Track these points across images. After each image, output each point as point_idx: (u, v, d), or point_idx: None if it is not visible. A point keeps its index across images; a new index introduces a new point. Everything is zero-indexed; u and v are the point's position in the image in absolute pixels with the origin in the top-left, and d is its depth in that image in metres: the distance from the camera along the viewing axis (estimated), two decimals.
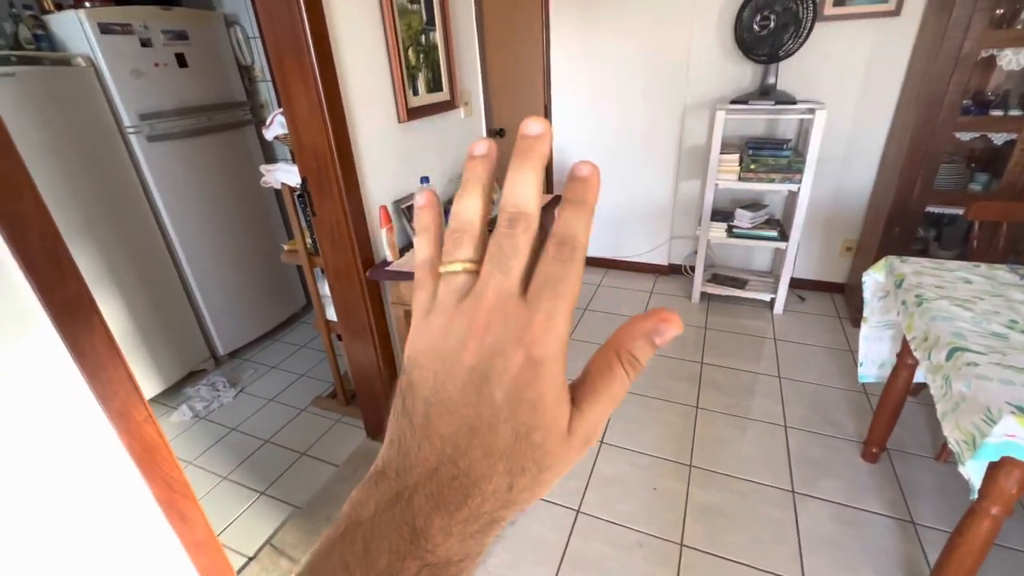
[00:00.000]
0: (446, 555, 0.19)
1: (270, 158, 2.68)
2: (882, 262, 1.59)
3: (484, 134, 2.33)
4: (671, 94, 2.81)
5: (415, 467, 0.19)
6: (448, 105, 2.00)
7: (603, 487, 1.73)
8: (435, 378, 0.20)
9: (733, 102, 2.48)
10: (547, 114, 3.08)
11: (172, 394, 2.34)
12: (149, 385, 2.24)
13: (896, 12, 2.25)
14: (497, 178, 0.22)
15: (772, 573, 1.42)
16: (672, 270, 3.28)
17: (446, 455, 0.19)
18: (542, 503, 1.67)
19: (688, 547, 1.51)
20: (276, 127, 1.69)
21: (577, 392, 0.21)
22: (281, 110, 1.58)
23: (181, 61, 2.17)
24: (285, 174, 1.67)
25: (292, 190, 1.71)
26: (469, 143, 1.86)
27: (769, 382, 2.21)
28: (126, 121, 2.01)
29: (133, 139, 2.04)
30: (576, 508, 1.66)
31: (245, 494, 1.80)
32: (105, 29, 1.90)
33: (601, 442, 1.92)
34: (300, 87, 1.38)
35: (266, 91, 2.63)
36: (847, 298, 2.80)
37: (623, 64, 2.85)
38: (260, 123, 2.54)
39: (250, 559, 1.57)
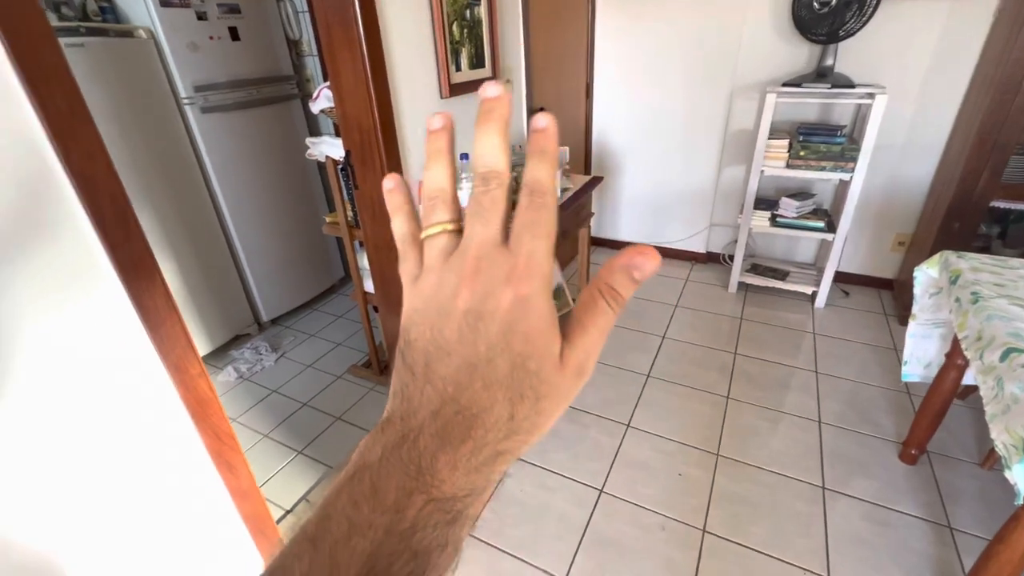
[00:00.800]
0: (452, 490, 0.20)
1: (314, 132, 2.74)
2: (937, 257, 1.51)
3: (524, 113, 2.31)
4: (718, 75, 2.71)
5: (419, 410, 0.20)
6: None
7: (627, 469, 1.74)
8: (432, 329, 0.21)
9: (785, 84, 2.37)
10: (588, 94, 3.03)
11: (219, 356, 2.47)
12: (198, 345, 2.36)
13: None
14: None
15: (796, 566, 1.41)
16: (709, 258, 3.21)
17: (448, 394, 0.20)
18: (565, 480, 1.70)
19: (711, 533, 1.51)
20: (322, 100, 1.72)
21: (567, 327, 0.22)
22: (328, 83, 1.61)
23: (234, 35, 2.23)
24: (329, 147, 1.71)
25: (335, 163, 1.75)
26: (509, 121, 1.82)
27: (805, 376, 2.16)
28: (182, 92, 2.09)
29: (188, 110, 2.12)
30: (599, 488, 1.68)
31: (284, 452, 1.90)
32: (165, 2, 1.97)
33: (627, 425, 1.92)
34: (347, 60, 1.41)
35: (312, 65, 2.68)
36: (895, 295, 2.67)
37: (669, 44, 2.76)
38: (306, 97, 2.60)
39: (287, 512, 1.67)
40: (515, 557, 1.47)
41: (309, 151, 1.79)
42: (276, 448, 1.92)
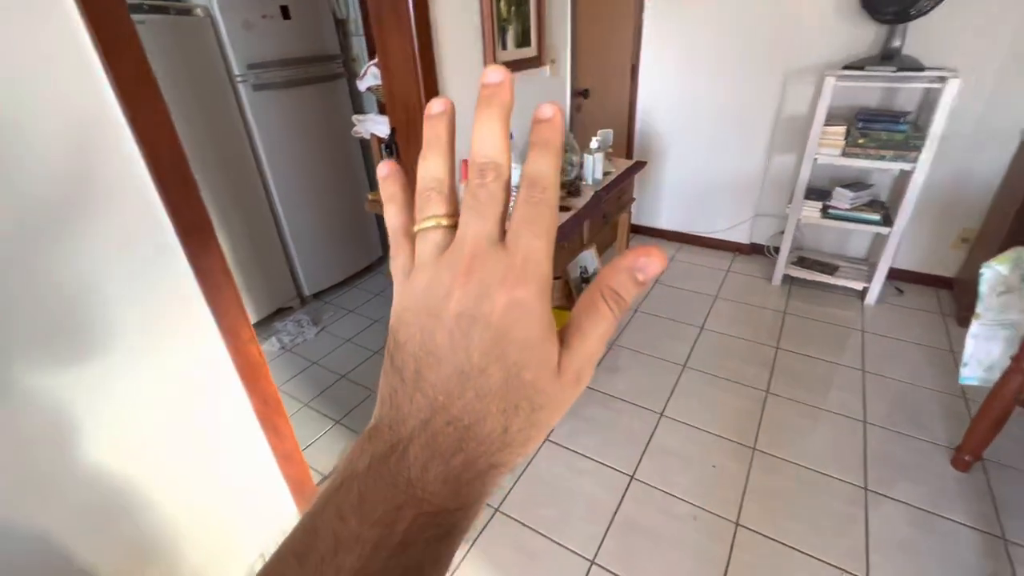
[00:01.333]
0: (443, 504, 0.19)
1: (359, 112, 2.78)
2: (1009, 253, 1.41)
3: (568, 94, 2.28)
4: (772, 58, 2.58)
5: (408, 419, 0.19)
6: (535, 61, 1.96)
7: (659, 457, 1.73)
8: (422, 331, 0.20)
9: (846, 67, 2.24)
10: (633, 76, 2.95)
11: (263, 327, 2.57)
12: None
13: None
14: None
15: (833, 565, 1.37)
16: (753, 250, 3.10)
17: (438, 403, 0.19)
18: (595, 463, 1.70)
19: (744, 527, 1.49)
20: (369, 78, 1.75)
21: (565, 332, 0.21)
22: (375, 61, 1.63)
23: (285, 13, 2.27)
24: (375, 125, 1.73)
25: (380, 141, 1.78)
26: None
27: (851, 375, 2.07)
28: (236, 70, 2.15)
29: (241, 87, 2.19)
30: (630, 474, 1.67)
31: (323, 421, 1.97)
32: None
33: (660, 414, 1.90)
34: (396, 38, 1.41)
35: (358, 45, 2.70)
36: (955, 294, 2.52)
37: (721, 26, 2.64)
38: (352, 76, 2.64)
39: (325, 477, 1.73)
40: (544, 536, 1.49)
41: (355, 128, 1.82)
42: (316, 417, 2.00)
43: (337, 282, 2.89)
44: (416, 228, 0.22)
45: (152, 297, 0.95)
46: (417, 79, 1.45)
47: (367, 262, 3.06)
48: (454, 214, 0.22)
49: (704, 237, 3.21)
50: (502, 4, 1.69)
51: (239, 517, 1.25)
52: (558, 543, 1.46)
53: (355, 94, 2.66)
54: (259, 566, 0.19)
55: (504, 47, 1.75)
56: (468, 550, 1.45)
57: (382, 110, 2.36)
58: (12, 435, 0.82)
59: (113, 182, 0.86)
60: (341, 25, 2.66)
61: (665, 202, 3.27)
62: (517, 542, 1.47)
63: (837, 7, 2.35)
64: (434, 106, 0.23)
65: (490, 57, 1.69)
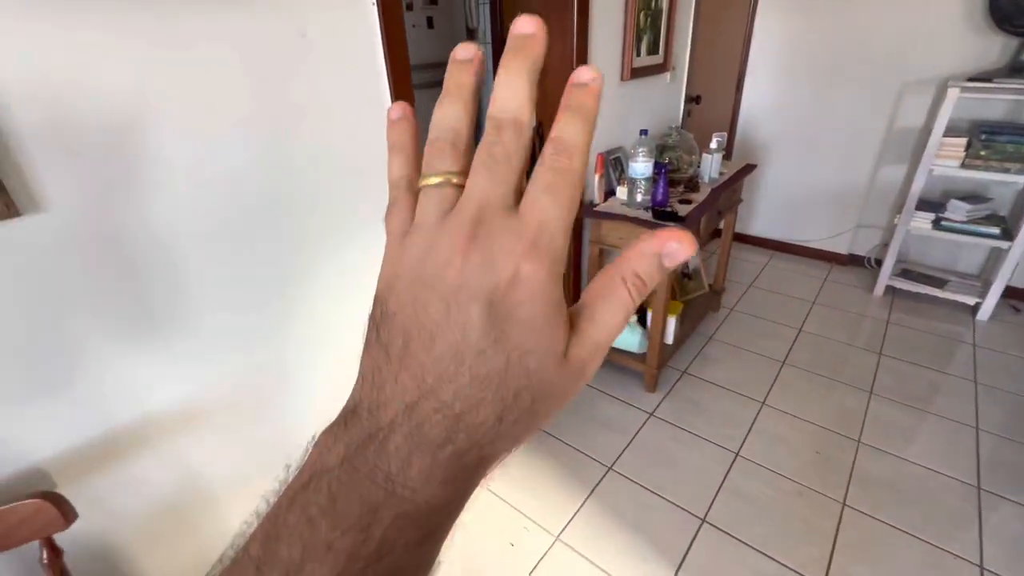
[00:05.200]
0: (426, 501, 0.17)
1: (479, 115, 3.06)
2: None
3: (682, 100, 2.43)
4: (888, 69, 2.60)
5: (391, 402, 0.17)
6: (660, 68, 2.14)
7: (763, 439, 1.82)
8: (415, 303, 0.18)
9: (971, 80, 2.24)
10: (739, 85, 3.04)
11: None
12: None
13: None
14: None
15: (944, 550, 1.43)
16: (851, 261, 3.08)
17: (427, 386, 0.17)
18: (699, 439, 1.83)
19: (851, 507, 1.56)
20: None
21: (575, 316, 0.19)
22: None
23: (430, 24, 2.59)
24: None
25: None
26: (669, 106, 2.04)
27: (961, 384, 2.07)
28: None
29: None
30: (735, 451, 1.78)
31: None
32: None
33: (762, 403, 1.99)
34: (557, 42, 1.64)
35: (486, 53, 2.98)
36: None
37: (832, 35, 2.69)
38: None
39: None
40: (656, 494, 1.64)
41: None
42: None
43: None
44: (421, 183, 0.20)
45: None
46: None
47: None
48: (466, 171, 0.19)
49: (799, 246, 3.22)
50: (641, 15, 1.88)
51: None
52: (671, 501, 1.61)
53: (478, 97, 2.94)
54: (263, 508, 0.18)
55: (639, 54, 1.94)
56: (587, 498, 1.62)
57: None
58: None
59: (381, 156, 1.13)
60: (471, 34, 2.95)
61: (761, 210, 3.32)
62: (632, 498, 1.63)
63: (966, 19, 2.35)
64: (461, 52, 0.20)
65: (628, 62, 1.88)
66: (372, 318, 0.19)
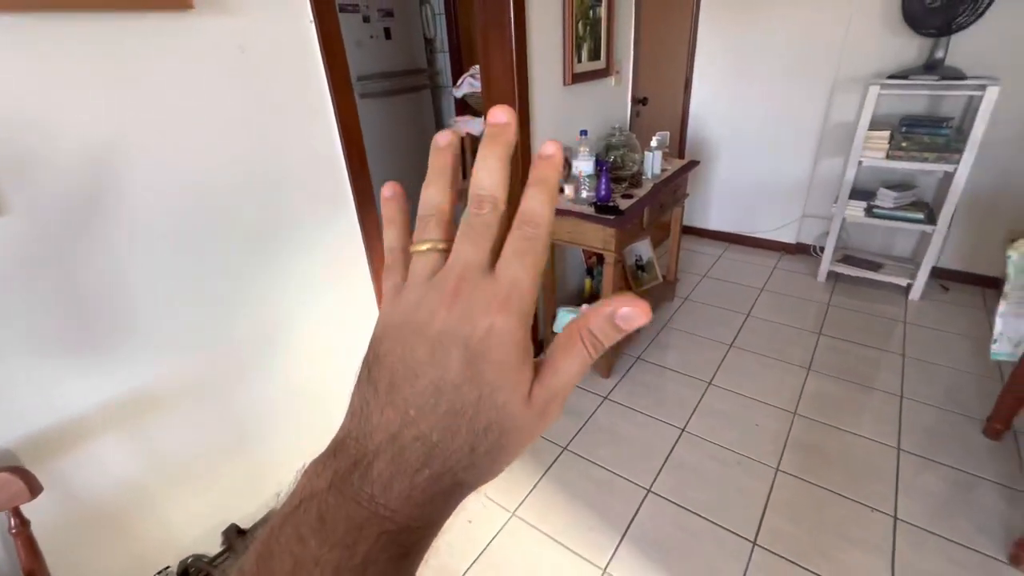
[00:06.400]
0: (406, 521, 0.19)
1: (439, 119, 3.17)
2: None
3: (629, 101, 2.57)
4: (820, 70, 2.79)
5: (376, 431, 0.20)
6: (602, 73, 2.27)
7: (708, 417, 1.95)
8: (403, 346, 0.20)
9: (891, 77, 2.43)
10: (687, 87, 3.21)
11: None
12: None
13: None
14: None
15: (864, 504, 1.57)
16: (799, 249, 3.26)
17: (409, 417, 0.19)
18: (649, 418, 1.95)
19: (784, 472, 1.70)
20: (465, 86, 2.10)
21: (541, 365, 0.22)
22: (471, 72, 1.98)
23: (387, 34, 2.69)
24: (471, 125, 2.08)
25: (474, 140, 2.12)
26: (615, 108, 2.19)
27: (891, 358, 2.23)
28: None
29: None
30: (681, 427, 1.91)
31: None
32: (342, 7, 2.45)
33: (708, 383, 2.13)
34: (498, 53, 1.75)
35: (443, 60, 3.10)
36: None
37: (772, 40, 2.88)
38: (435, 88, 3.03)
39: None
40: (605, 468, 1.75)
41: (454, 128, 2.18)
42: None
43: None
44: (412, 249, 0.23)
45: (337, 244, 1.30)
46: (513, 87, 1.78)
47: None
48: (450, 240, 0.22)
49: (751, 237, 3.40)
50: (579, 24, 2.01)
51: None
52: (619, 475, 1.72)
53: (437, 102, 3.05)
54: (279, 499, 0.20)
55: (579, 60, 2.07)
56: (542, 477, 1.73)
57: (458, 114, 2.72)
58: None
59: (324, 156, 1.22)
60: (428, 43, 3.07)
61: (714, 204, 3.49)
62: (583, 472, 1.74)
63: (885, 22, 2.54)
64: (442, 139, 0.24)
65: (569, 68, 2.01)
66: (365, 360, 0.21)
